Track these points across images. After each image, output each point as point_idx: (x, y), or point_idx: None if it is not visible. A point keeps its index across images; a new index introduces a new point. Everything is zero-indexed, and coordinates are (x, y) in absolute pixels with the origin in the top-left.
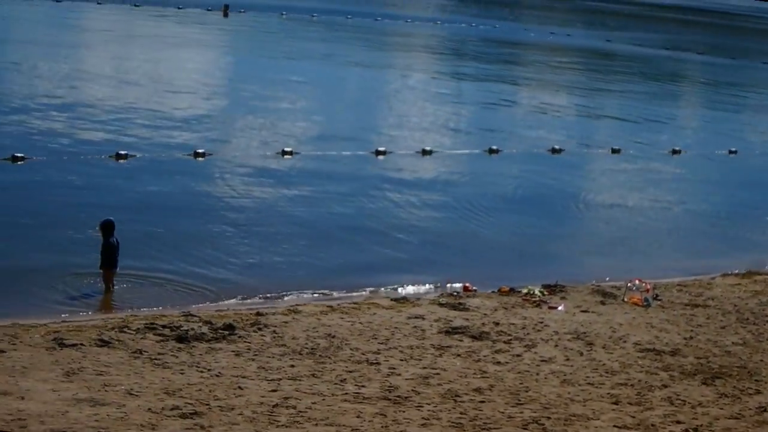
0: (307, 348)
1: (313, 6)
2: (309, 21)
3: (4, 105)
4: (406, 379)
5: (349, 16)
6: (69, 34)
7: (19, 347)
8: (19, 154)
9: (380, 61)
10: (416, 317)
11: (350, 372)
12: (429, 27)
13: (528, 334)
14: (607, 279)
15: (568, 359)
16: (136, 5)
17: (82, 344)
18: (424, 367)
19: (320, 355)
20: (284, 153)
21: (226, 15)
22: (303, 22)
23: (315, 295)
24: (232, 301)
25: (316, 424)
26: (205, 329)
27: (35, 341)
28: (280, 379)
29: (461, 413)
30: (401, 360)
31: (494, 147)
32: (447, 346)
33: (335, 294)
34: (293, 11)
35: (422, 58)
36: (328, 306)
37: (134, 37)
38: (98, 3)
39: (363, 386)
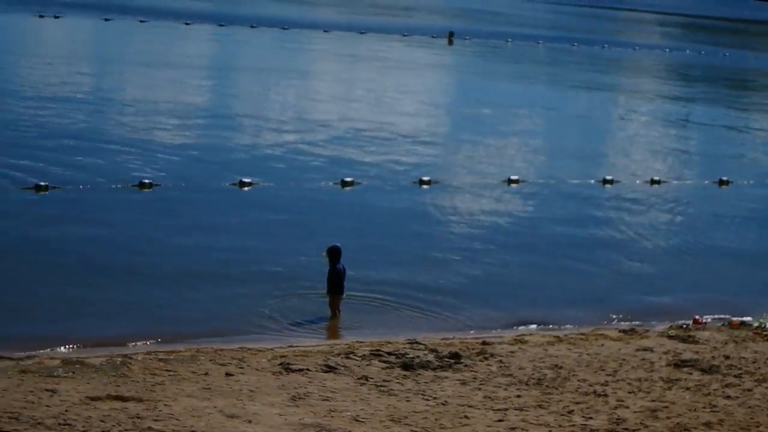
0: (533, 378)
1: (538, 33)
2: (534, 48)
3: (238, 129)
4: (634, 412)
5: (575, 44)
6: (299, 60)
7: (247, 371)
8: (246, 179)
9: (606, 87)
10: (644, 349)
11: (577, 403)
12: (657, 54)
13: (759, 368)
14: None
15: None
16: (361, 32)
17: (308, 369)
18: (653, 400)
19: (547, 386)
20: (510, 181)
21: (450, 42)
22: (528, 49)
23: (541, 325)
24: (457, 329)
25: None
26: (430, 357)
27: (262, 365)
28: (507, 409)
29: None
30: (629, 392)
31: (724, 178)
32: (676, 379)
33: (561, 324)
34: (518, 38)
35: (649, 83)
36: (554, 336)
37: (361, 62)
38: (324, 31)
39: (590, 418)
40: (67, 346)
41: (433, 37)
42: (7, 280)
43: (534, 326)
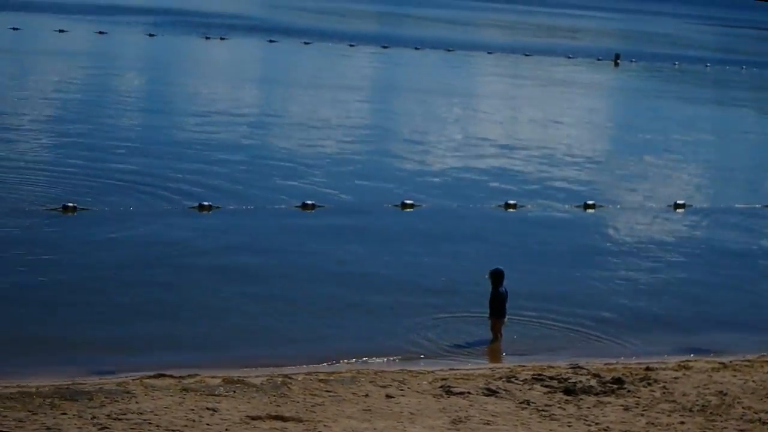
0: (697, 405)
1: (707, 56)
2: (703, 71)
3: (401, 149)
4: None
5: (743, 66)
6: (463, 81)
7: (408, 393)
8: (408, 201)
9: None
10: None
11: (741, 431)
12: None
13: None
14: None
15: None
16: (526, 54)
17: (469, 392)
18: None
19: (711, 413)
20: (677, 206)
21: (616, 64)
22: (697, 73)
23: (705, 350)
24: (620, 354)
25: None
26: (593, 382)
27: (423, 388)
28: None
29: None
30: None
31: None
32: None
33: (726, 350)
34: (686, 61)
35: None
36: (719, 363)
37: (526, 83)
38: (489, 52)
39: None
40: (227, 365)
41: (598, 59)
42: (170, 300)
43: (698, 352)
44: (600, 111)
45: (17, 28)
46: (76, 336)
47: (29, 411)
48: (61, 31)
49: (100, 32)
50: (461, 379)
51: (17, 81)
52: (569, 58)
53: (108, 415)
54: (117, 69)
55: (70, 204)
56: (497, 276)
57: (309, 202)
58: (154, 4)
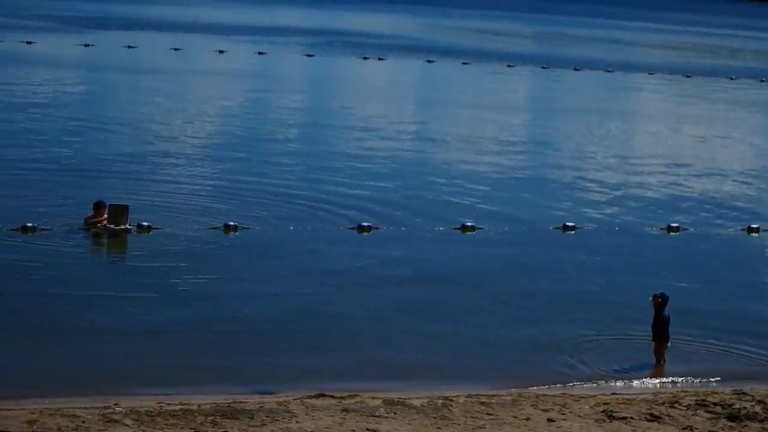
0: None
1: None
2: None
3: (560, 170)
4: None
5: None
6: (623, 102)
7: (569, 417)
8: (570, 223)
9: None
10: None
11: None
12: None
13: None
14: None
15: None
16: (686, 75)
17: (631, 417)
18: None
19: None
20: None
21: None
22: None
23: None
24: None
25: None
26: (758, 408)
27: (585, 412)
28: None
29: None
30: None
31: None
32: None
33: None
34: None
35: None
36: None
37: (687, 103)
38: (649, 73)
39: None
40: (388, 385)
41: (761, 80)
42: (328, 322)
43: None
44: (764, 131)
45: (178, 48)
46: (235, 356)
47: (191, 429)
48: (221, 51)
49: (259, 53)
50: (623, 403)
51: (180, 101)
52: (732, 79)
53: None
54: (277, 89)
55: (232, 223)
56: (662, 300)
57: (468, 223)
58: (311, 25)
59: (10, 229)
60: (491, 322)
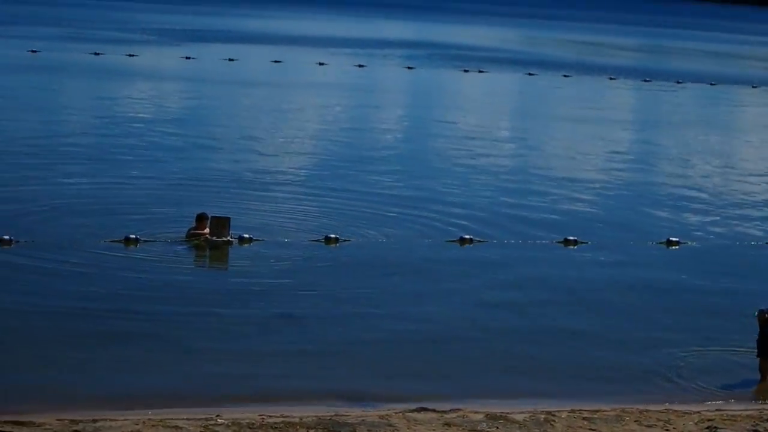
0: None
1: None
2: None
3: (662, 184)
4: None
5: None
6: (724, 115)
7: None
8: (674, 239)
9: None
10: None
11: None
12: None
13: None
14: None
15: None
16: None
17: None
18: None
19: None
20: None
21: None
22: None
23: None
24: None
25: None
26: None
27: (689, 428)
28: None
29: None
30: None
31: None
32: None
33: None
34: None
35: None
36: None
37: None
38: (753, 86)
39: None
40: (489, 400)
41: None
42: (433, 331)
43: None
44: None
45: (278, 61)
46: (336, 371)
47: None
48: (321, 64)
49: (359, 65)
50: (728, 420)
51: (280, 113)
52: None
53: None
54: (377, 102)
55: (333, 236)
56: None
57: (571, 237)
58: (411, 37)
59: (113, 241)
60: (595, 337)
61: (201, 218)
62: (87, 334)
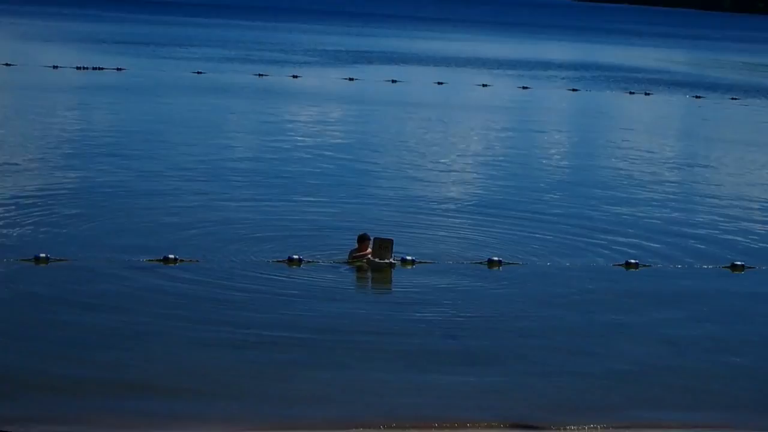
0: None
1: None
2: None
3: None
4: None
5: None
6: None
7: None
8: (738, 262)
9: None
10: None
11: None
12: None
13: None
14: None
15: None
16: None
17: None
18: None
19: None
20: None
21: None
22: None
23: None
24: None
25: None
26: None
27: None
28: None
29: None
30: None
31: None
32: None
33: None
34: None
35: None
36: None
37: None
38: None
39: None
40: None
41: None
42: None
43: None
44: None
45: (442, 82)
46: (507, 395)
47: None
48: (484, 85)
49: (524, 87)
50: None
51: (444, 134)
52: None
53: None
54: (542, 123)
55: (496, 258)
56: None
57: (738, 262)
58: (575, 59)
59: (277, 261)
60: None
61: (363, 239)
62: (265, 362)
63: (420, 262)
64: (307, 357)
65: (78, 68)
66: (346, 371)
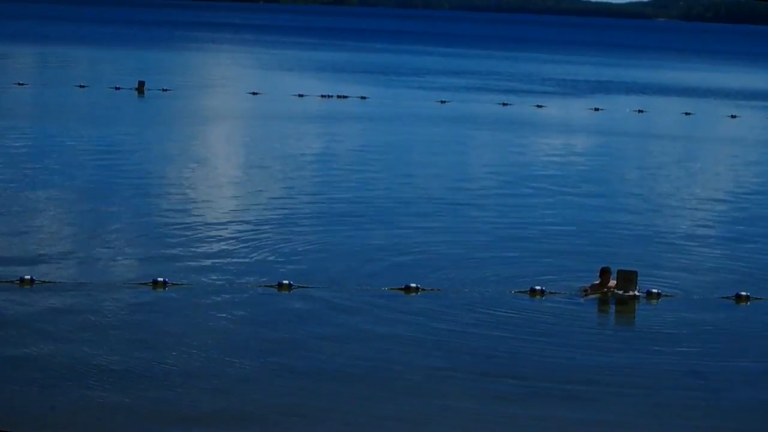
0: None
1: None
2: None
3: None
4: None
5: None
6: None
7: None
8: None
9: None
10: None
11: None
12: None
13: None
14: None
15: None
16: None
17: None
18: None
19: None
20: None
21: None
22: None
23: None
24: None
25: None
26: None
27: None
28: None
29: None
30: None
31: None
32: None
33: None
34: None
35: None
36: None
37: None
38: None
39: None
40: None
41: None
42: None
43: None
44: None
45: (689, 113)
46: None
47: None
48: (732, 116)
49: None
50: None
51: (693, 166)
52: None
53: None
54: None
55: (744, 293)
56: None
57: None
58: None
59: (518, 292)
60: None
61: (605, 272)
62: (508, 393)
63: (666, 296)
64: (549, 391)
65: (322, 96)
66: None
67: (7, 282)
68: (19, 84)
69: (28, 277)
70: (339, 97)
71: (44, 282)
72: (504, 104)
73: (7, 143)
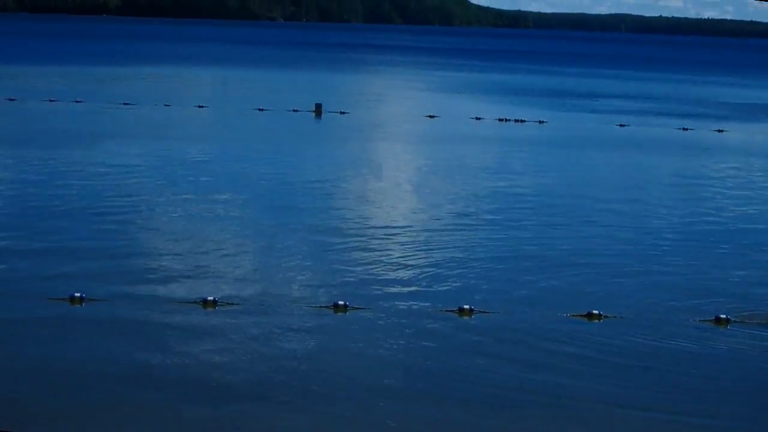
0: None
1: None
2: None
3: None
4: None
5: None
6: None
7: None
8: None
9: None
10: None
11: None
12: None
13: None
14: None
15: None
16: None
17: None
18: None
19: None
20: None
21: None
22: None
23: None
24: None
25: None
26: None
27: None
28: None
29: None
30: None
31: None
32: None
33: None
34: None
35: None
36: None
37: None
38: None
39: None
40: None
41: None
42: None
43: None
44: None
45: None
46: None
47: None
48: None
49: None
50: None
51: None
52: None
53: None
54: None
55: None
56: None
57: None
58: None
59: (700, 321)
60: None
61: None
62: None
63: None
64: None
65: (500, 120)
66: None
67: (190, 302)
68: (200, 107)
69: (210, 298)
70: (516, 121)
71: (227, 303)
72: (684, 129)
73: (191, 163)
